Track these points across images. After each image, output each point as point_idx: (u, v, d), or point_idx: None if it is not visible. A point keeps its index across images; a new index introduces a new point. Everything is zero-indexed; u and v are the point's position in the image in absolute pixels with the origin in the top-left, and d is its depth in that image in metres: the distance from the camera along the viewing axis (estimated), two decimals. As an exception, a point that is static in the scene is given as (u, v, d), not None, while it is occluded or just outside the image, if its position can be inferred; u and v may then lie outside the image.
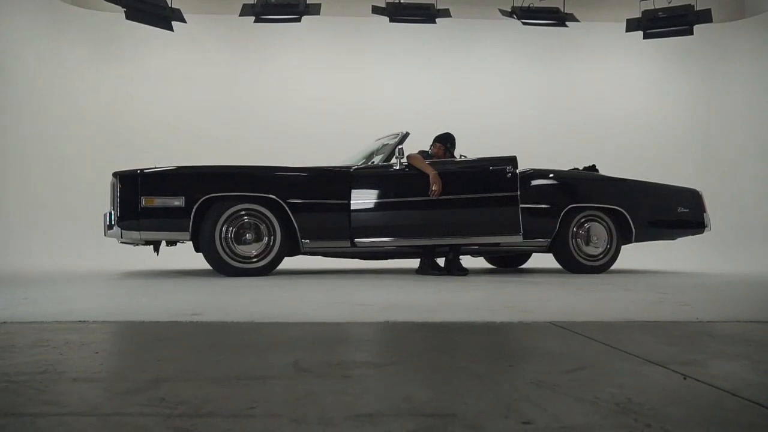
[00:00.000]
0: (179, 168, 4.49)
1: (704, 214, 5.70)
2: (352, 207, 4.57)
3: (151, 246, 4.74)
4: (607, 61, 8.97)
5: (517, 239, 4.59)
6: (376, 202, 4.66)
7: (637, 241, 5.46)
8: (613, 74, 8.95)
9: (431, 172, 4.54)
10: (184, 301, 2.56)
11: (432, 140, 5.04)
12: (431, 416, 0.91)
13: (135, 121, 8.13)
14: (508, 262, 6.65)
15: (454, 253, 4.80)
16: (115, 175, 4.32)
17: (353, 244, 4.61)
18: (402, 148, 4.68)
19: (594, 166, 5.77)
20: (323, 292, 3.08)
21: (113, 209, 4.29)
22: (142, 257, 6.08)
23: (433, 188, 4.49)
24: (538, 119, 8.64)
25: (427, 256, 4.87)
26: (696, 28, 7.04)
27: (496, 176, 4.62)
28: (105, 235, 4.48)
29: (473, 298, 2.86)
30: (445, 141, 4.98)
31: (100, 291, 3.26)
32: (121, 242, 4.61)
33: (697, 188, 5.84)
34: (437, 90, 8.62)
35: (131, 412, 0.93)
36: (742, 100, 8.91)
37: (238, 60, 8.58)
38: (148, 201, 4.25)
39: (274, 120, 8.31)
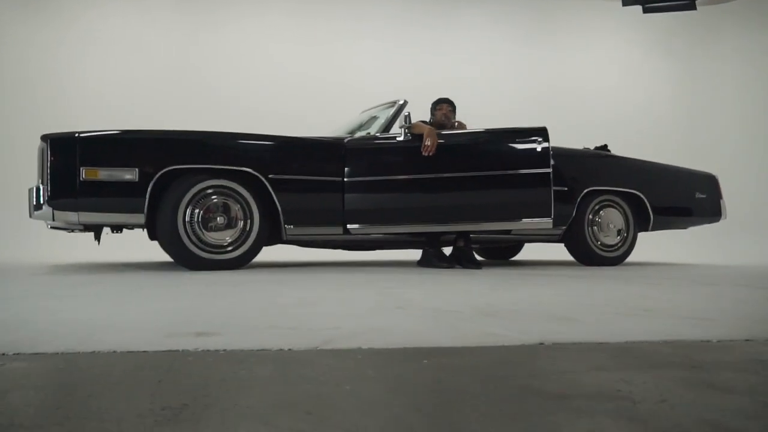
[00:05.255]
0: (129, 132, 3.50)
1: (721, 200, 5.22)
2: (346, 186, 3.74)
3: (92, 233, 3.71)
4: (601, 37, 8.47)
5: (547, 224, 3.89)
6: (374, 181, 3.86)
7: (653, 229, 4.91)
8: (605, 50, 8.46)
9: (425, 129, 3.77)
10: (167, 309, 1.66)
11: (432, 105, 4.24)
12: None
13: (71, 87, 6.87)
14: (498, 254, 5.98)
15: (466, 242, 4.07)
16: (44, 138, 3.26)
17: (346, 231, 3.79)
18: (409, 116, 3.86)
19: (606, 146, 5.16)
20: (352, 291, 2.23)
21: (42, 183, 3.26)
22: (77, 247, 5.00)
23: (426, 143, 3.72)
24: (530, 95, 7.99)
25: (432, 245, 4.10)
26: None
27: (524, 151, 3.89)
28: (31, 216, 3.44)
29: (569, 297, 2.09)
30: (452, 102, 4.20)
31: (21, 292, 2.23)
32: (51, 227, 3.58)
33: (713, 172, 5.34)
34: (419, 63, 7.82)
35: None
36: (730, 83, 8.65)
37: (194, 22, 7.43)
38: (89, 173, 3.24)
39: (233, 92, 7.26)
